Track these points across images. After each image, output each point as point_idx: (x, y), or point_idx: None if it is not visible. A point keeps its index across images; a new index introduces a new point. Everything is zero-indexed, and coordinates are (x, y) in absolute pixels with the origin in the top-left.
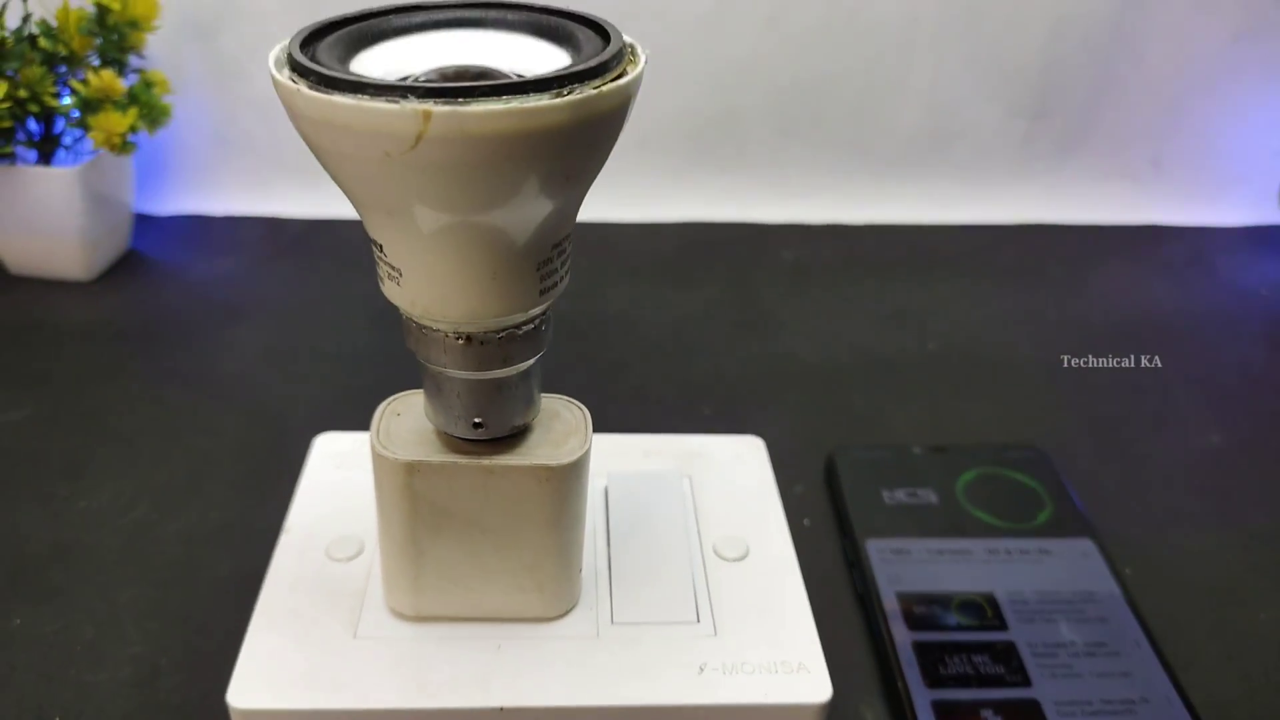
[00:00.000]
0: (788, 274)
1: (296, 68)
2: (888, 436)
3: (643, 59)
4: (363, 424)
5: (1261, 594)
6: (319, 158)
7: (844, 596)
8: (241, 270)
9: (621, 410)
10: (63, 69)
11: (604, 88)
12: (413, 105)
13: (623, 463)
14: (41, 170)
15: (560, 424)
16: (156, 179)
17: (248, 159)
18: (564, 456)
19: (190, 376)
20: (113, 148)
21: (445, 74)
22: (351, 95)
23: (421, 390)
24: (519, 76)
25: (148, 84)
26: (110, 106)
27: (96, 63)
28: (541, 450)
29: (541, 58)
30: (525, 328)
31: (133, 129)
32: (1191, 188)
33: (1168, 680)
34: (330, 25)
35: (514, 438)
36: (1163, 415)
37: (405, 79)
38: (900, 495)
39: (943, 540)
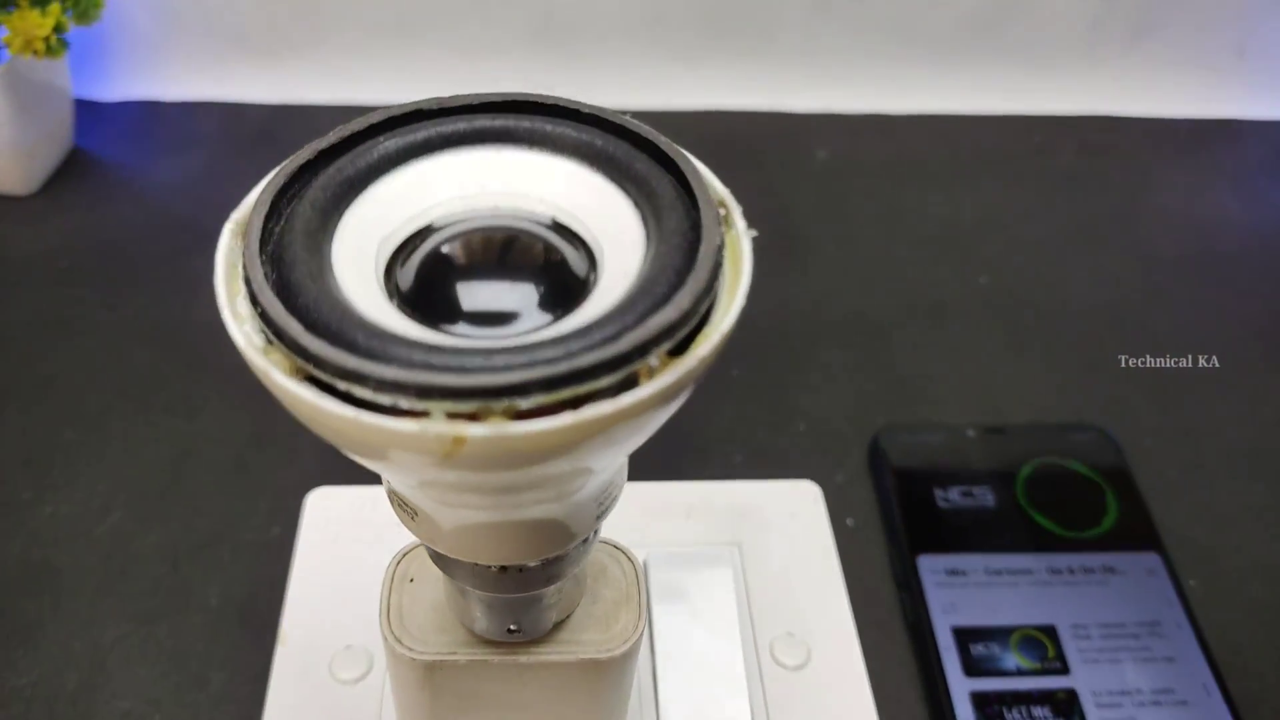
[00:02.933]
0: (821, 177)
1: (258, 307)
2: (936, 404)
3: (746, 237)
4: None
5: None
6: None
7: (893, 621)
8: (202, 172)
9: None
10: None
11: (704, 349)
12: (436, 428)
13: (661, 526)
14: None
15: (607, 587)
16: (98, 58)
17: (199, 33)
18: (614, 644)
19: (157, 328)
20: (35, 53)
21: (468, 249)
22: (344, 387)
23: None
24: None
25: None
26: (25, 3)
27: None
28: (587, 636)
29: (597, 203)
30: (575, 548)
31: (58, 28)
32: (1276, 80)
33: None
34: (305, 167)
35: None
36: (1233, 371)
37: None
38: (955, 495)
39: (1001, 556)
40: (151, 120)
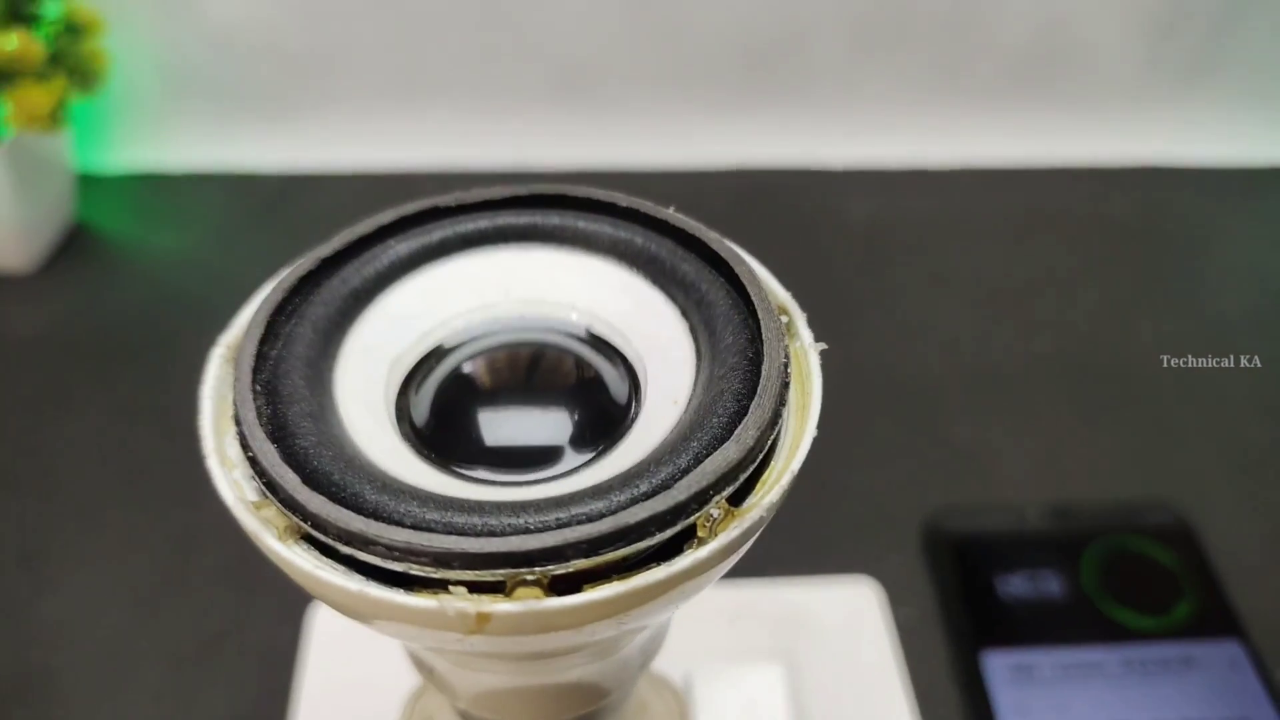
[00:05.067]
0: (861, 236)
1: (248, 452)
2: (994, 481)
3: (813, 351)
4: None
5: None
6: None
7: None
8: (208, 245)
9: None
10: None
11: (773, 494)
12: (456, 605)
13: (703, 636)
14: None
15: None
16: (99, 131)
17: (205, 103)
18: None
19: (158, 408)
20: (39, 128)
21: (492, 371)
22: (347, 552)
23: None
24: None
25: (73, 30)
26: (27, 76)
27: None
28: None
29: (636, 308)
30: (615, 700)
31: (60, 102)
32: None
33: None
34: (308, 276)
35: None
36: None
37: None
38: (1017, 584)
39: (1070, 650)
40: (155, 193)
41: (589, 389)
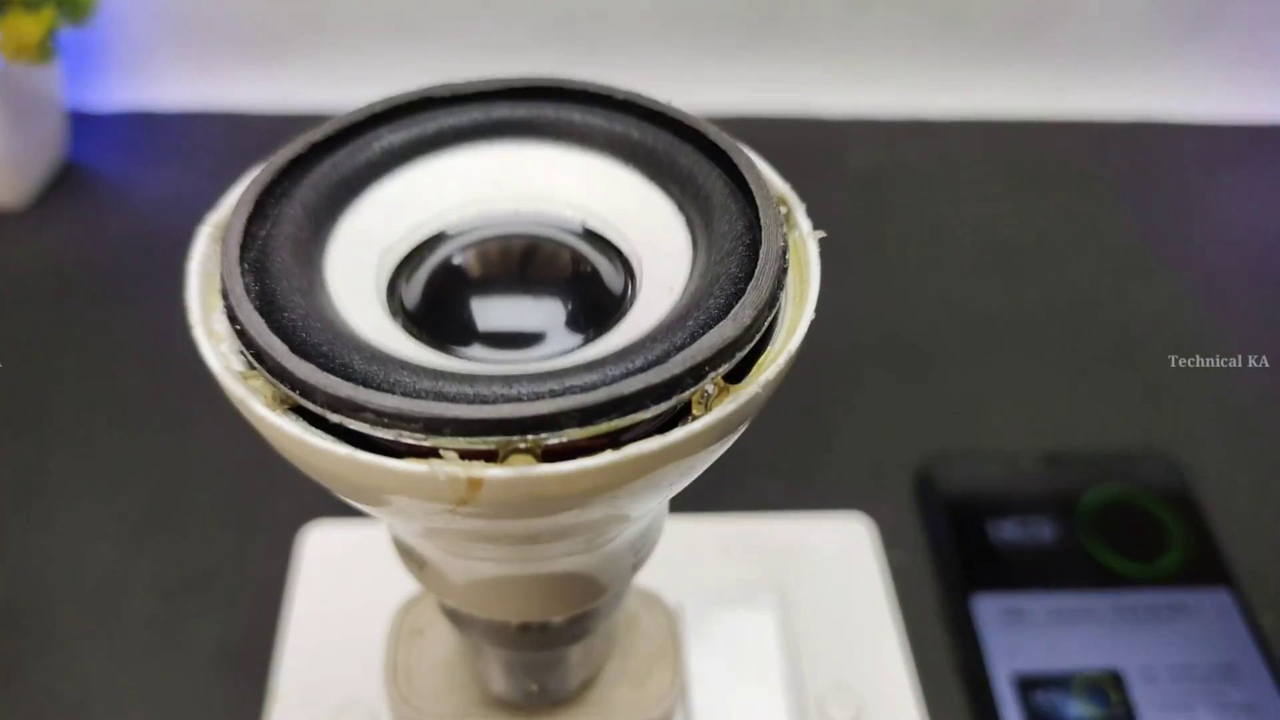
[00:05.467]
0: (859, 187)
1: (236, 324)
2: (987, 431)
3: (812, 240)
4: None
5: None
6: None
7: (944, 668)
8: (201, 184)
9: None
10: None
11: (770, 373)
12: (447, 469)
13: (696, 567)
14: None
15: (641, 640)
16: (92, 65)
17: (198, 38)
18: (649, 706)
19: (150, 347)
20: (27, 58)
21: (484, 261)
22: (336, 420)
23: None
24: (601, 263)
25: None
26: (17, 6)
27: None
28: (620, 696)
29: (634, 204)
30: (606, 602)
31: (50, 32)
32: None
33: None
34: (296, 160)
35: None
36: None
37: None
38: (1009, 529)
39: (1061, 595)
40: (149, 132)
41: (583, 280)
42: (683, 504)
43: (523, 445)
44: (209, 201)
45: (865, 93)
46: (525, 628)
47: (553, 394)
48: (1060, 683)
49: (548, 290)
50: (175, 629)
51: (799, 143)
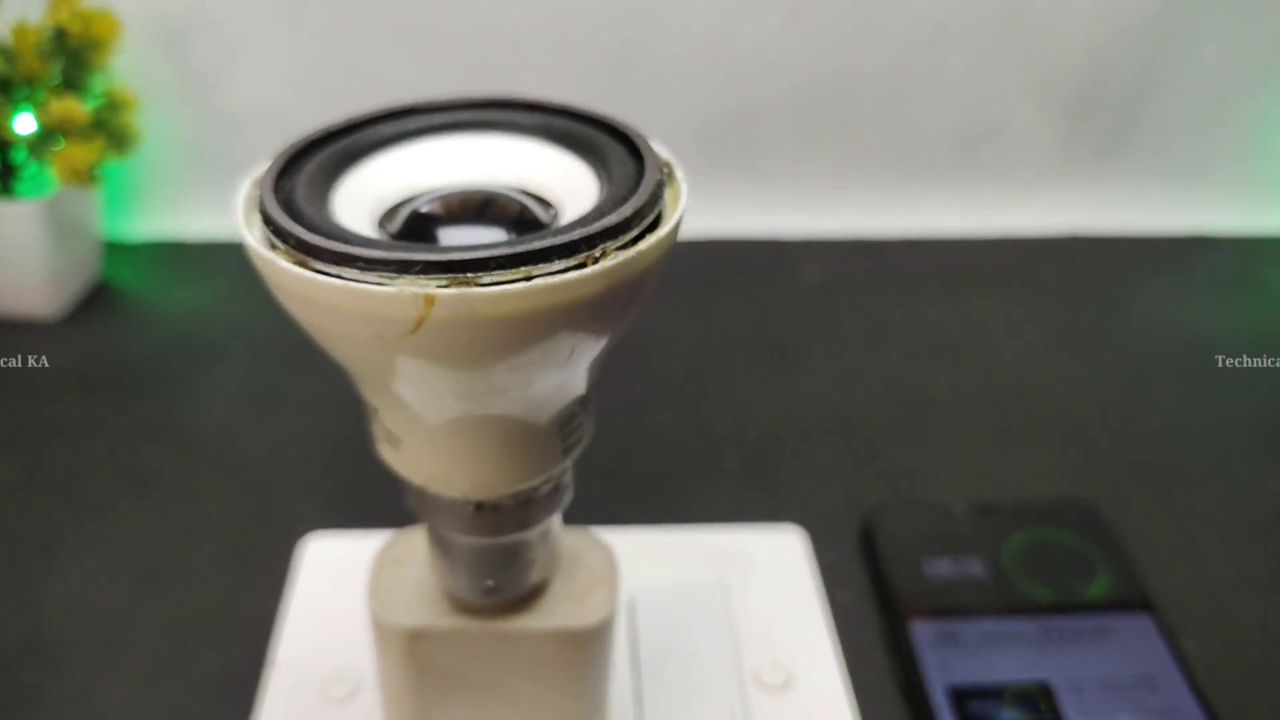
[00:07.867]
0: (812, 296)
1: (270, 224)
2: (927, 490)
3: (684, 185)
4: (358, 487)
5: None
6: (299, 324)
7: (887, 687)
8: (220, 302)
9: (639, 462)
10: (20, 93)
11: (644, 245)
12: (411, 289)
13: (649, 567)
14: (1, 205)
15: (583, 570)
16: (126, 200)
17: (223, 176)
18: (588, 615)
19: (168, 430)
20: (78, 182)
21: (448, 205)
22: (335, 270)
23: (423, 528)
24: (533, 205)
25: (114, 105)
26: (73, 136)
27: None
28: (562, 608)
29: (561, 173)
30: (545, 488)
31: (100, 161)
32: (1239, 193)
33: None
34: (313, 143)
35: (531, 595)
36: (1221, 459)
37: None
38: (943, 566)
39: (993, 621)
40: (174, 258)
41: (520, 216)
42: (644, 520)
43: (465, 279)
44: (227, 310)
45: (816, 215)
46: (480, 508)
47: (486, 249)
48: (993, 693)
49: (493, 221)
50: (180, 660)
51: (758, 260)
